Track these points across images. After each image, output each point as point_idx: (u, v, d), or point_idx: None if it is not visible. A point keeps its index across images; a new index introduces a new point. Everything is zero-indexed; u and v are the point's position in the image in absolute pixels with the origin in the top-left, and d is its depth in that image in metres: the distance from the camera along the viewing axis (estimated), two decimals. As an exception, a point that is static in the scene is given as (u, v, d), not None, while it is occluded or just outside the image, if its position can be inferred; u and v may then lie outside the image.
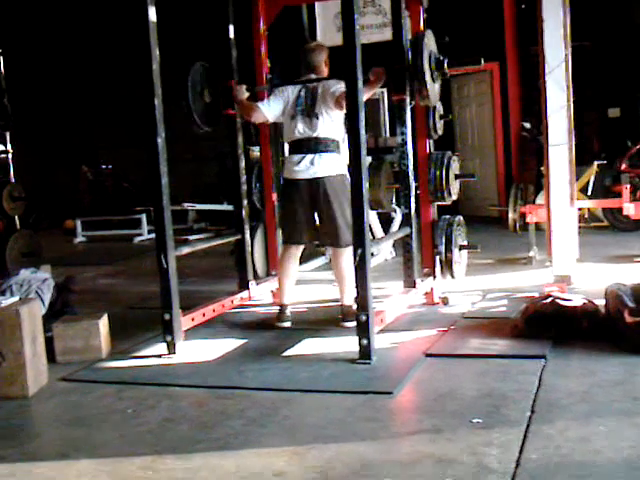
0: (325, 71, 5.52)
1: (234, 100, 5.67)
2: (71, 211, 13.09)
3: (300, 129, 5.35)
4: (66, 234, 12.78)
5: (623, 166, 9.62)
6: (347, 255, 5.25)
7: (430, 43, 5.42)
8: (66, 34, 14.06)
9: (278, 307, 5.63)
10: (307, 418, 3.73)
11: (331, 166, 5.34)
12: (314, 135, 5.33)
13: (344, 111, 5.14)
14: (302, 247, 5.66)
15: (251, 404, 3.94)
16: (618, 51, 10.92)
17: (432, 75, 5.36)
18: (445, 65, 5.43)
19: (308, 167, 5.32)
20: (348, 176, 5.15)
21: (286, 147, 5.67)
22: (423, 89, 5.28)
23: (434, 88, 5.43)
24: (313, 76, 5.46)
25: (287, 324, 5.51)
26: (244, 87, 5.65)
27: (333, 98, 5.24)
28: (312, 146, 5.33)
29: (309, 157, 5.33)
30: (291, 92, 5.45)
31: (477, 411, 3.61)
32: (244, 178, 6.08)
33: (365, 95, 4.81)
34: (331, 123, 5.34)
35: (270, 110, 5.48)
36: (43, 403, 4.21)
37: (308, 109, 5.34)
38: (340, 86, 5.14)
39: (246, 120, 5.83)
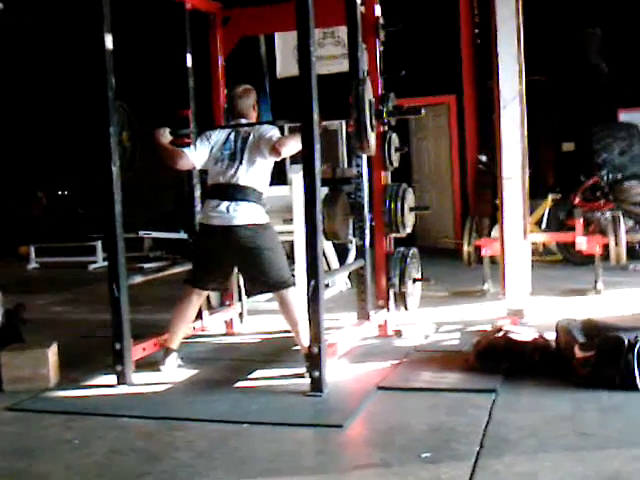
0: (254, 116, 5.28)
1: (155, 144, 5.19)
2: (25, 237, 12.93)
3: (222, 174, 5.06)
4: (19, 260, 12.61)
5: (577, 200, 9.74)
6: (291, 296, 5.02)
7: (368, 93, 5.14)
8: (24, 60, 13.94)
9: (164, 350, 5.23)
10: (256, 451, 3.70)
11: (247, 215, 4.99)
12: (234, 182, 5.02)
13: (280, 158, 5.03)
14: (205, 294, 5.47)
15: (200, 436, 3.91)
16: (572, 86, 11.10)
17: (372, 126, 5.12)
18: (384, 114, 5.34)
19: (223, 214, 4.99)
20: (269, 225, 5.10)
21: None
22: (364, 141, 5.05)
23: (373, 137, 5.21)
24: (243, 121, 5.20)
25: (170, 368, 5.16)
26: (167, 130, 5.25)
27: (269, 145, 4.95)
28: (230, 193, 5.02)
29: (225, 204, 4.99)
30: (218, 136, 5.18)
31: (426, 445, 3.60)
32: (199, 207, 6.04)
33: (297, 146, 4.73)
34: (255, 171, 5.05)
35: (197, 156, 5.15)
36: (-13, 433, 4.12)
37: (235, 154, 5.05)
38: (275, 132, 5.03)
39: (170, 167, 5.22)
